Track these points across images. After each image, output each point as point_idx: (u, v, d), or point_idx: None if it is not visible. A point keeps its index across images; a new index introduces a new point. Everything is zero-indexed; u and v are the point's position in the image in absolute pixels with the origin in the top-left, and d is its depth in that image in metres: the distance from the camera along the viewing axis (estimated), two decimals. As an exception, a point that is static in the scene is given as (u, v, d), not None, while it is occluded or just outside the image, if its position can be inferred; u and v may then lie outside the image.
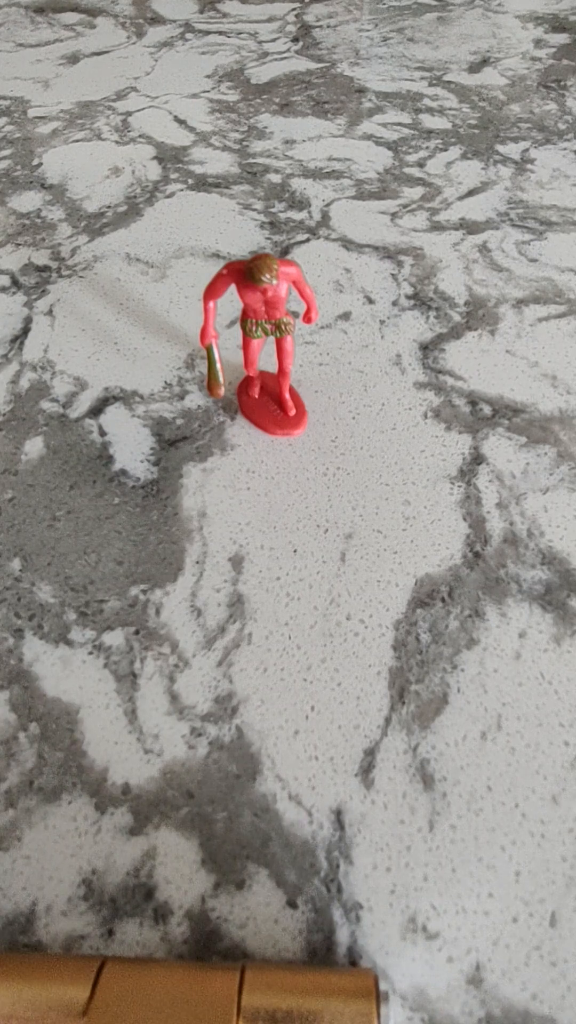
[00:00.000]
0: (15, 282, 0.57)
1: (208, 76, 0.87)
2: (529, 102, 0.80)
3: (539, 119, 0.76)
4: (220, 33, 0.98)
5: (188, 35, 0.98)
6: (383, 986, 0.24)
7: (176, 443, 0.44)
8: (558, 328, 0.51)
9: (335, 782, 0.31)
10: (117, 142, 0.74)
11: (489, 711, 0.33)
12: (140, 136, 0.75)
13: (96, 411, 0.46)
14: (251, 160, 0.70)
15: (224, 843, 0.29)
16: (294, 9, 1.06)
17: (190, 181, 0.68)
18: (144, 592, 0.37)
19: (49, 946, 0.27)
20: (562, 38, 0.95)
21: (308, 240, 0.60)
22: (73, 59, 0.91)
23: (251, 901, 0.28)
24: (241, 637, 0.35)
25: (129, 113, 0.79)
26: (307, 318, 0.41)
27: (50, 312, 0.54)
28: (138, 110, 0.79)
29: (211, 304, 0.39)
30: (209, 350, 0.42)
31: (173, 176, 0.68)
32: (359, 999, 0.23)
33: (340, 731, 0.32)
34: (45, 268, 0.58)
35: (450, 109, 0.78)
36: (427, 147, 0.72)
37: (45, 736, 0.32)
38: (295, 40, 0.96)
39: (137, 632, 0.35)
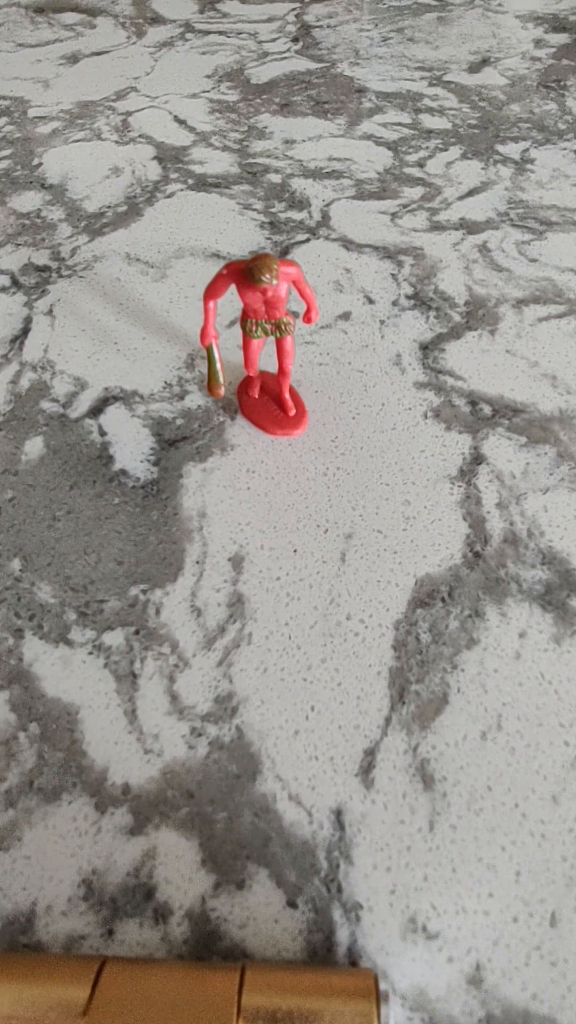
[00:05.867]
0: (15, 282, 0.57)
1: (208, 76, 0.87)
2: (529, 102, 0.80)
3: (539, 119, 0.76)
4: (220, 33, 0.98)
5: (188, 35, 0.98)
6: (383, 986, 0.24)
7: (176, 443, 0.44)
8: (558, 328, 0.51)
9: (335, 782, 0.31)
10: (117, 142, 0.74)
11: (489, 711, 0.33)
12: (140, 136, 0.75)
13: (96, 411, 0.46)
14: (251, 160, 0.70)
15: (224, 843, 0.29)
16: (294, 9, 1.06)
17: (190, 181, 0.68)
18: (144, 592, 0.37)
19: (49, 946, 0.27)
20: (562, 38, 0.95)
21: (308, 240, 0.60)
22: (73, 59, 0.91)
23: (251, 901, 0.28)
24: (241, 637, 0.35)
25: (129, 113, 0.79)
26: (307, 318, 0.41)
27: (50, 312, 0.54)
28: (138, 110, 0.79)
29: (211, 304, 0.39)
30: (209, 350, 0.42)
31: (173, 176, 0.68)
32: (359, 999, 0.23)
33: (340, 731, 0.32)
34: (45, 268, 0.58)
35: (450, 109, 0.78)
36: (427, 147, 0.72)
37: (45, 736, 0.32)
38: (295, 40, 0.96)
39: (137, 632, 0.35)
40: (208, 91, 0.83)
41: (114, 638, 0.35)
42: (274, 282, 0.36)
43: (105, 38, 0.97)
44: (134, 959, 0.25)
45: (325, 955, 0.27)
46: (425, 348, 0.50)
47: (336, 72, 0.87)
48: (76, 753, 0.32)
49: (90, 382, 0.48)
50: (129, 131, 0.76)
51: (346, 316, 0.53)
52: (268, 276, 0.35)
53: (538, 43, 0.94)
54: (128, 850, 0.29)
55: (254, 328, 0.40)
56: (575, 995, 0.26)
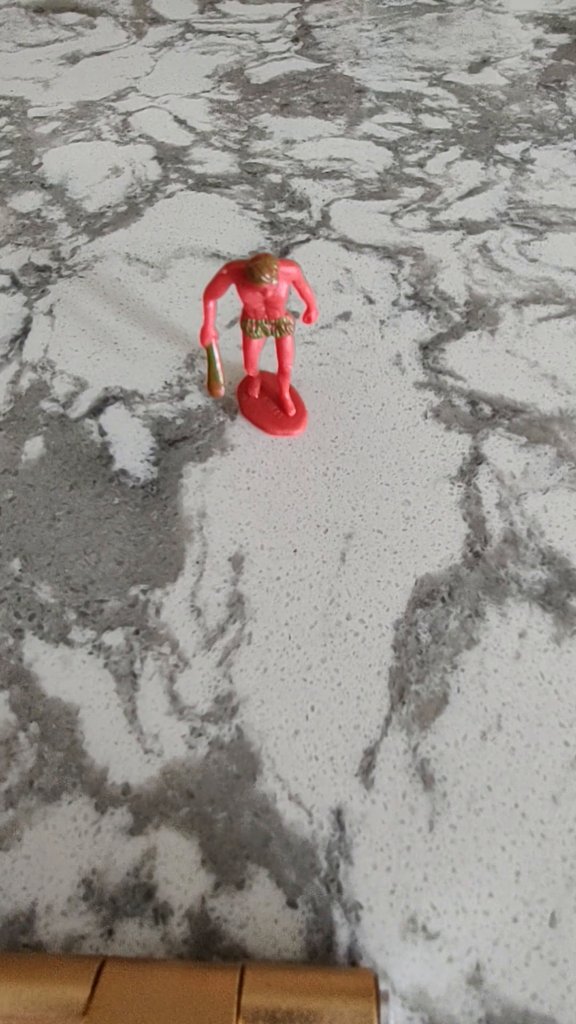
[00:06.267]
0: (15, 282, 0.57)
1: (208, 76, 0.87)
2: (529, 102, 0.80)
3: (539, 119, 0.76)
4: (220, 33, 0.98)
5: (188, 35, 0.98)
6: (383, 986, 0.24)
7: (176, 443, 0.44)
8: (558, 328, 0.51)
9: (335, 782, 0.31)
10: (117, 142, 0.74)
11: (489, 711, 0.33)
12: (140, 136, 0.75)
13: (96, 411, 0.46)
14: (251, 160, 0.70)
15: (224, 843, 0.29)
16: (294, 9, 1.06)
17: (190, 181, 0.68)
18: (144, 592, 0.37)
19: (49, 946, 0.27)
20: (562, 38, 0.95)
21: (308, 240, 0.60)
22: (73, 59, 0.91)
23: (251, 901, 0.28)
24: (241, 637, 0.35)
25: (129, 113, 0.79)
26: (307, 318, 0.41)
27: (50, 312, 0.54)
28: (138, 110, 0.79)
29: (211, 304, 0.39)
30: (209, 350, 0.42)
31: (173, 176, 0.68)
32: (359, 999, 0.23)
33: (340, 731, 0.32)
34: (45, 268, 0.58)
35: (450, 109, 0.78)
36: (427, 147, 0.72)
37: (45, 736, 0.32)
38: (295, 40, 0.96)
39: (137, 632, 0.35)
40: (208, 91, 0.83)
41: (114, 638, 0.35)
42: (274, 282, 0.36)
43: (105, 38, 0.97)
44: (134, 959, 0.25)
45: (325, 955, 0.27)
46: (425, 348, 0.50)
47: (336, 72, 0.87)
48: (76, 753, 0.32)
49: (90, 382, 0.48)
50: (129, 131, 0.76)
51: (346, 316, 0.53)
52: (268, 276, 0.35)
53: (538, 43, 0.94)
54: (128, 850, 0.29)
55: (254, 328, 0.40)
56: (575, 995, 0.26)
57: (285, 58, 0.91)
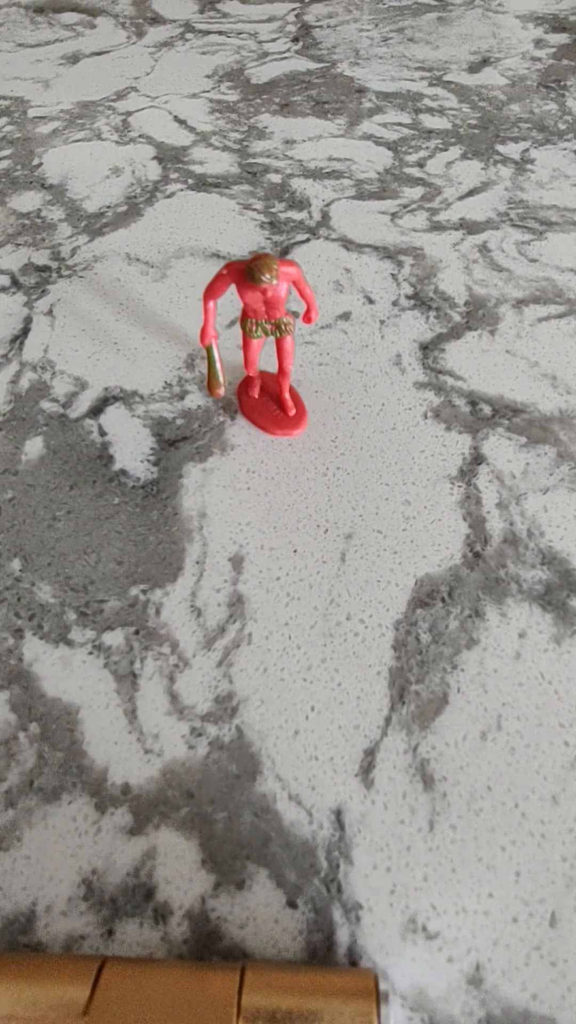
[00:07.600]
0: (15, 282, 0.56)
1: (208, 76, 0.87)
2: (529, 102, 0.80)
3: (539, 119, 0.76)
4: (220, 33, 0.98)
5: (188, 35, 0.98)
6: (383, 986, 0.24)
7: (176, 443, 0.44)
8: (558, 328, 0.51)
9: (335, 782, 0.31)
10: (117, 142, 0.74)
11: (489, 711, 0.33)
12: (140, 136, 0.75)
13: (96, 411, 0.46)
14: (251, 160, 0.70)
15: (224, 843, 0.29)
16: (294, 9, 1.06)
17: (190, 181, 0.68)
18: (144, 592, 0.37)
19: (49, 946, 0.27)
20: (562, 38, 0.95)
21: (308, 240, 0.60)
22: (73, 59, 0.91)
23: (251, 901, 0.28)
24: (241, 637, 0.35)
25: (129, 113, 0.79)
26: (307, 318, 0.41)
27: (50, 312, 0.54)
28: (138, 110, 0.79)
29: (211, 304, 0.39)
30: (209, 350, 0.42)
31: (173, 176, 0.68)
32: (359, 999, 0.23)
33: (340, 731, 0.32)
34: (45, 268, 0.58)
35: (450, 109, 0.78)
36: (427, 147, 0.72)
37: (45, 736, 0.32)
38: (295, 40, 0.96)
39: (137, 632, 0.35)
40: (208, 91, 0.83)
41: (114, 638, 0.35)
42: (274, 282, 0.36)
43: (105, 38, 0.97)
44: (134, 959, 0.25)
45: (325, 955, 0.27)
46: (425, 348, 0.50)
47: (336, 72, 0.87)
48: (76, 753, 0.32)
49: (90, 382, 0.48)
50: (129, 131, 0.76)
51: (346, 316, 0.53)
52: (268, 276, 0.35)
53: (538, 43, 0.94)
54: (128, 850, 0.29)
55: (254, 328, 0.40)
56: (575, 995, 0.26)
57: (285, 58, 0.91)
